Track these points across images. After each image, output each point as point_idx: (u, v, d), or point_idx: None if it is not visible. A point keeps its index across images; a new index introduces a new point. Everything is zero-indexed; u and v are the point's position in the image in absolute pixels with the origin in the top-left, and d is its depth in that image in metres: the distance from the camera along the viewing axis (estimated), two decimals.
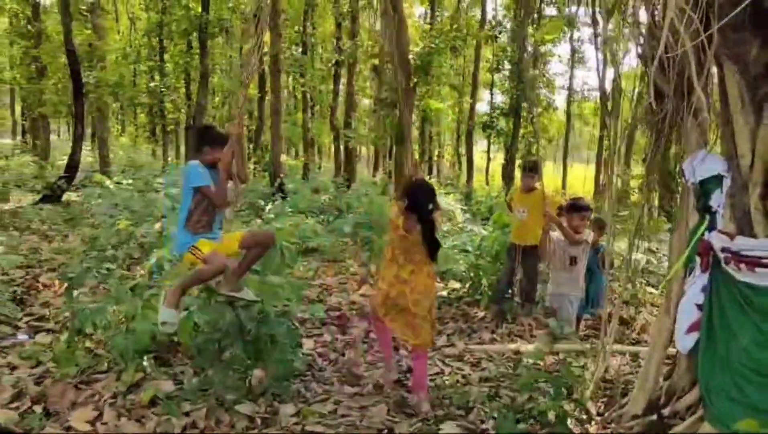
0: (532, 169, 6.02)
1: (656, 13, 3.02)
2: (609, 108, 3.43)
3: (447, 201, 15.28)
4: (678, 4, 2.74)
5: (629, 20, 3.06)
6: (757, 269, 2.63)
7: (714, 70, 3.04)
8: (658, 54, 2.74)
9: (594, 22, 3.47)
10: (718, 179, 2.95)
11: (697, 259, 3.01)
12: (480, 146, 30.87)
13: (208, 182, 3.69)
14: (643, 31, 3.06)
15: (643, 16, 3.13)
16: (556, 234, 5.64)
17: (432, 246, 3.77)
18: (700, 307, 2.98)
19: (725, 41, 2.81)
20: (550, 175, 24.05)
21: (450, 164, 34.29)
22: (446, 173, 33.17)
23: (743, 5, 2.46)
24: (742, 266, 2.70)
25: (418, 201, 3.70)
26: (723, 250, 2.83)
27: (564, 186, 28.14)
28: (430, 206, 3.70)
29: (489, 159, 29.49)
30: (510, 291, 6.05)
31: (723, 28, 2.82)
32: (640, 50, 3.09)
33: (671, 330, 3.18)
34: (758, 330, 2.63)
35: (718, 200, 2.95)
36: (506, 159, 20.12)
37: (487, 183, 28.81)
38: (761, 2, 2.61)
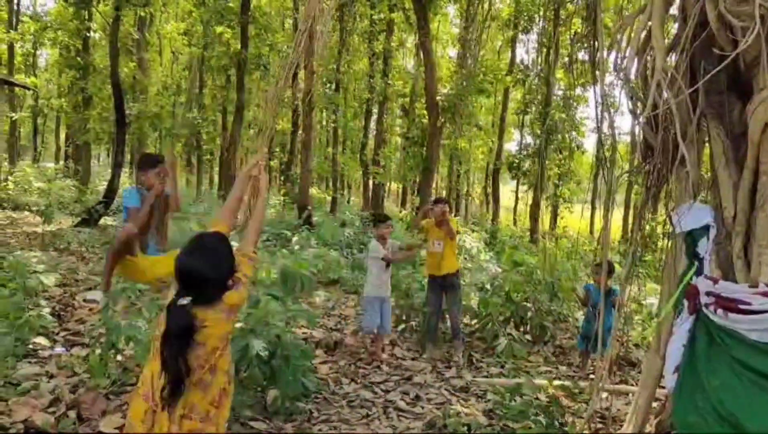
0: (443, 201, 6.27)
1: (647, 71, 3.29)
2: (606, 158, 3.66)
3: (471, 239, 15.51)
4: (665, 68, 3.03)
5: (621, 77, 3.32)
6: (730, 315, 2.82)
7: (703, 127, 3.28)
8: (645, 111, 3.02)
9: (594, 78, 3.74)
10: (705, 228, 3.17)
11: (685, 302, 3.21)
12: (510, 185, 31.03)
13: (136, 203, 4.29)
14: (633, 87, 3.33)
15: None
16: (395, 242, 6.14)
17: None
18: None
19: (710, 102, 3.07)
20: (578, 217, 24.05)
21: (479, 203, 34.50)
22: (474, 212, 33.36)
23: (718, 68, 2.72)
24: (719, 311, 2.89)
25: None
26: (708, 294, 3.02)
27: (592, 229, 28.07)
28: None
29: (517, 199, 29.56)
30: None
31: (708, 89, 3.09)
32: (630, 106, 3.35)
33: (660, 370, 3.36)
34: (731, 372, 2.81)
35: (705, 247, 3.15)
36: (533, 200, 20.32)
37: (515, 223, 28.88)
38: (739, 69, 2.87)
